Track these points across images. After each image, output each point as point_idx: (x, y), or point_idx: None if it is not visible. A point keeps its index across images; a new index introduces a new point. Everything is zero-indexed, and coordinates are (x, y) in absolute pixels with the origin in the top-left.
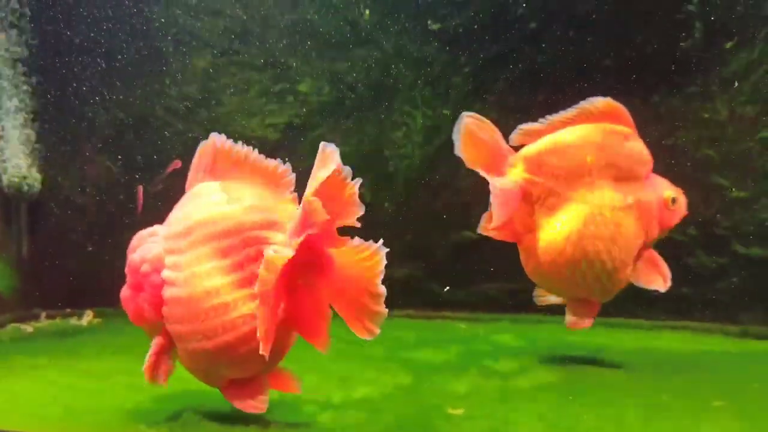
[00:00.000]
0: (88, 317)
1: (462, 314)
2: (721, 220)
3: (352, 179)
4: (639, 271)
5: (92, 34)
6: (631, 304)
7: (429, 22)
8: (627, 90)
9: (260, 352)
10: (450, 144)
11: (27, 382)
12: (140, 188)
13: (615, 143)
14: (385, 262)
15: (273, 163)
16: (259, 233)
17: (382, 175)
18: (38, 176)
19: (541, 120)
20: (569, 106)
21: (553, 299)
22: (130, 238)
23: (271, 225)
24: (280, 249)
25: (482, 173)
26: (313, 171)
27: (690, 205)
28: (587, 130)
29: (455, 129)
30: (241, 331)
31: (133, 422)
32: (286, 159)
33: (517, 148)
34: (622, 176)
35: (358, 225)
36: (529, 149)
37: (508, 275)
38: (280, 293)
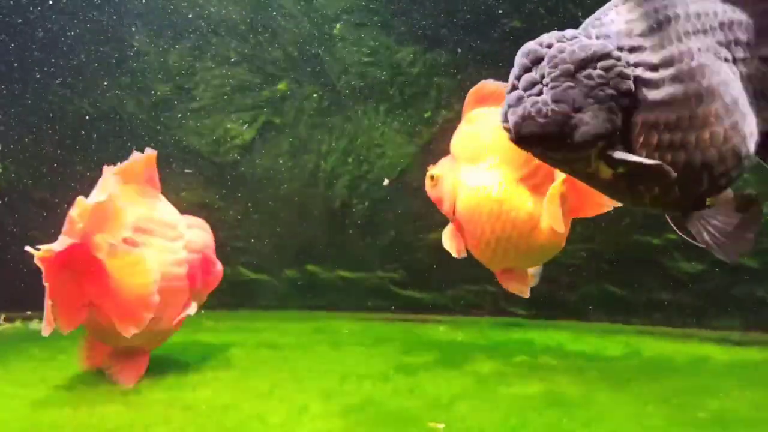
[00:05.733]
0: None
1: (441, 317)
2: None
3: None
4: None
5: (52, 24)
6: (610, 309)
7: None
8: None
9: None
10: (429, 145)
11: None
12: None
13: None
14: (155, 274)
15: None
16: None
17: (360, 176)
18: None
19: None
20: None
21: None
22: None
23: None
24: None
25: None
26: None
27: None
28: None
29: None
30: None
31: None
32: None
33: None
34: None
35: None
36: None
37: (488, 278)
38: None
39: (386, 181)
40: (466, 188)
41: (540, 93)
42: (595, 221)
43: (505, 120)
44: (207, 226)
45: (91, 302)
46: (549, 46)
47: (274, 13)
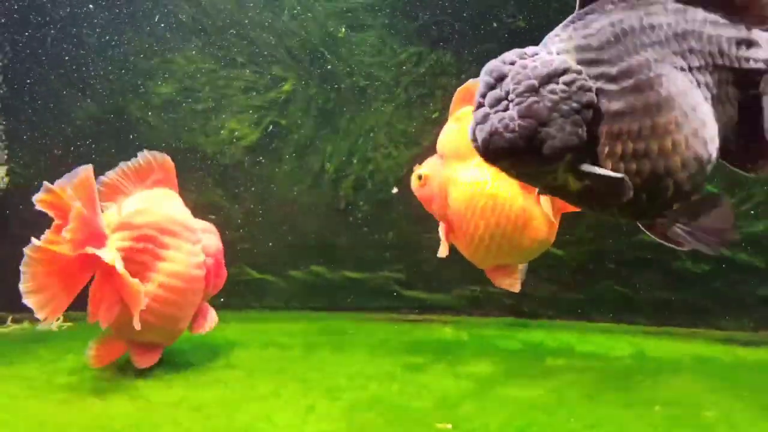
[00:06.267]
0: (57, 321)
1: (447, 317)
2: None
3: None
4: None
5: (61, 20)
6: (616, 309)
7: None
8: None
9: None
10: (435, 145)
11: None
12: None
13: None
14: (143, 300)
15: None
16: None
17: (364, 175)
18: (3, 174)
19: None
20: None
21: None
22: None
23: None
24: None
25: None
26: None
27: None
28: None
29: None
30: None
31: None
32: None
33: None
34: None
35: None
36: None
37: None
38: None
39: (395, 189)
40: (459, 185)
41: (506, 109)
42: (601, 221)
43: (474, 137)
44: (216, 230)
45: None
46: (512, 63)
47: (280, 14)
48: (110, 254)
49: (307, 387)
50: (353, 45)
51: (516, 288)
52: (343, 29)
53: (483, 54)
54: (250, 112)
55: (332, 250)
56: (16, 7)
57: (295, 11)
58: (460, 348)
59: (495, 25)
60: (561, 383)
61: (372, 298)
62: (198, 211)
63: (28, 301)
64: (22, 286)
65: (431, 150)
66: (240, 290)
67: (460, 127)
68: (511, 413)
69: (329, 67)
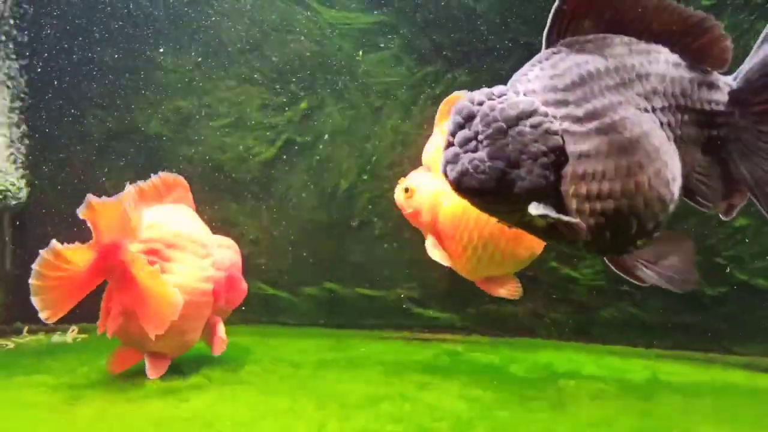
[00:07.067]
0: (72, 333)
1: (460, 336)
2: (722, 248)
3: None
4: None
5: (84, 35)
6: (631, 332)
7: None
8: None
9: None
10: None
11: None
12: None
13: None
14: (175, 291)
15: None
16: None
17: (380, 194)
18: (23, 185)
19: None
20: None
21: None
22: None
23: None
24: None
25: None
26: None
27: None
28: None
29: None
30: None
31: None
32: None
33: None
34: None
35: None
36: None
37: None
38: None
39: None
40: (451, 196)
41: (476, 150)
42: None
43: (445, 173)
44: (236, 247)
45: (125, 309)
46: (480, 104)
47: (297, 34)
48: (136, 253)
49: (319, 405)
50: (370, 64)
51: (517, 295)
52: (360, 49)
53: (499, 73)
54: (267, 129)
55: (345, 267)
56: (38, 24)
57: (313, 31)
58: (473, 368)
59: (511, 44)
60: (574, 406)
61: (385, 315)
62: (213, 227)
63: (33, 300)
64: (31, 285)
65: None
66: (253, 305)
67: None
68: None
69: (345, 85)
